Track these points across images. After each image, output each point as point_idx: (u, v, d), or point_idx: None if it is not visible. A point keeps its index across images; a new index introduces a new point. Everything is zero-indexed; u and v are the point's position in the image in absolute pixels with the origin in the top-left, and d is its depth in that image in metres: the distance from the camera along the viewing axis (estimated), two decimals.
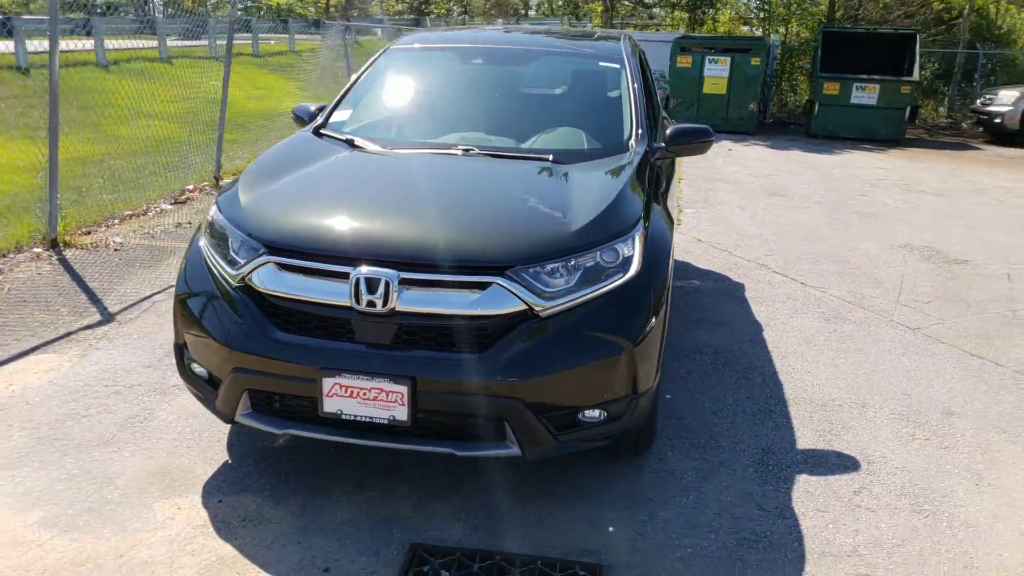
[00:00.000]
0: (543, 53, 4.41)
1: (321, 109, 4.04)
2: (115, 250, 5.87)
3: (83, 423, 3.37)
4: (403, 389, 2.57)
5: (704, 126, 3.79)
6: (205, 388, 2.93)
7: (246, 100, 14.66)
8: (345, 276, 2.63)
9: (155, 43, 18.16)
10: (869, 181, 10.36)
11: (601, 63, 4.19)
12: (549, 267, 2.66)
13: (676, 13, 24.04)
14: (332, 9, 41.70)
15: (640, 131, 3.67)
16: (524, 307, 2.59)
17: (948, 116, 18.90)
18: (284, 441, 3.31)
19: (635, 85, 3.96)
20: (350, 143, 3.57)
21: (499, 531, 2.79)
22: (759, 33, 21.93)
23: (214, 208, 3.08)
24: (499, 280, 2.59)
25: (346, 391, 2.61)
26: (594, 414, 2.71)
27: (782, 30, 20.23)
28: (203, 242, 3.01)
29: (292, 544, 2.68)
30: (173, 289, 3.12)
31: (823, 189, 9.66)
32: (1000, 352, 4.62)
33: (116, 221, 6.67)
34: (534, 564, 2.60)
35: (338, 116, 3.93)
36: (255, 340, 2.69)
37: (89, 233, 6.21)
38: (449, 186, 3.22)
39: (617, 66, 4.13)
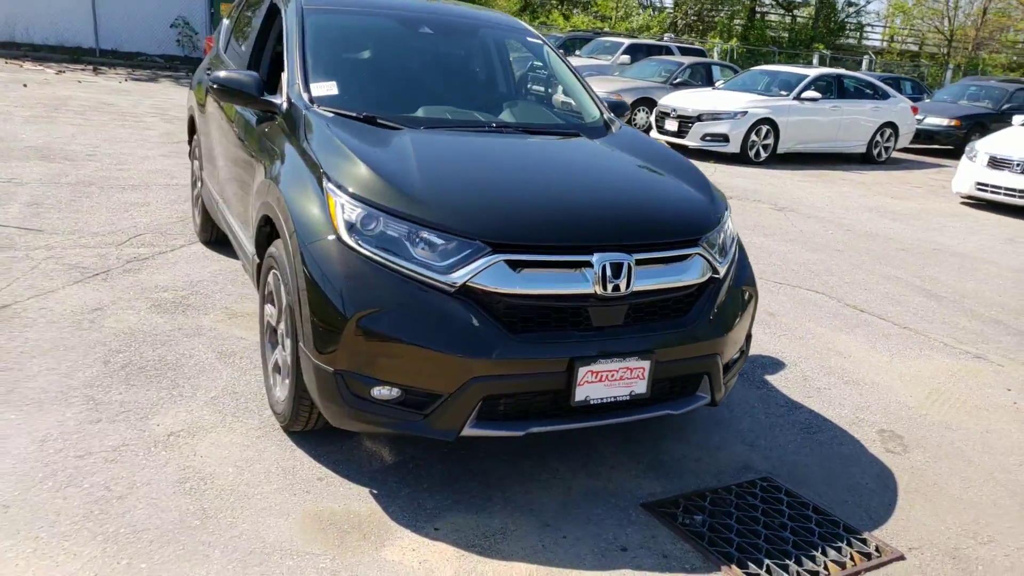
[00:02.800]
0: (468, 22, 4.36)
1: (260, 78, 3.46)
2: None
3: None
4: (645, 364, 2.72)
5: None
6: (395, 411, 2.59)
7: None
8: (580, 265, 2.63)
9: None
10: None
11: (530, 39, 4.36)
12: (716, 233, 3.03)
13: None
14: None
15: (602, 106, 4.05)
16: (711, 272, 2.94)
17: None
18: (389, 459, 3.02)
19: (564, 61, 4.28)
20: (370, 121, 3.22)
21: (683, 472, 3.13)
22: None
23: (358, 204, 2.63)
24: (697, 250, 2.89)
25: (596, 376, 2.64)
26: (736, 355, 3.20)
27: None
28: (363, 247, 2.57)
29: (557, 541, 2.63)
30: (306, 312, 2.62)
31: None
32: None
33: None
34: (832, 526, 2.91)
35: (318, 90, 3.42)
36: (496, 344, 2.52)
37: None
38: (575, 167, 3.28)
39: (539, 41, 4.36)
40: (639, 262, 2.72)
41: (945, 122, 16.11)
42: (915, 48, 40.43)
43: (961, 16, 39.75)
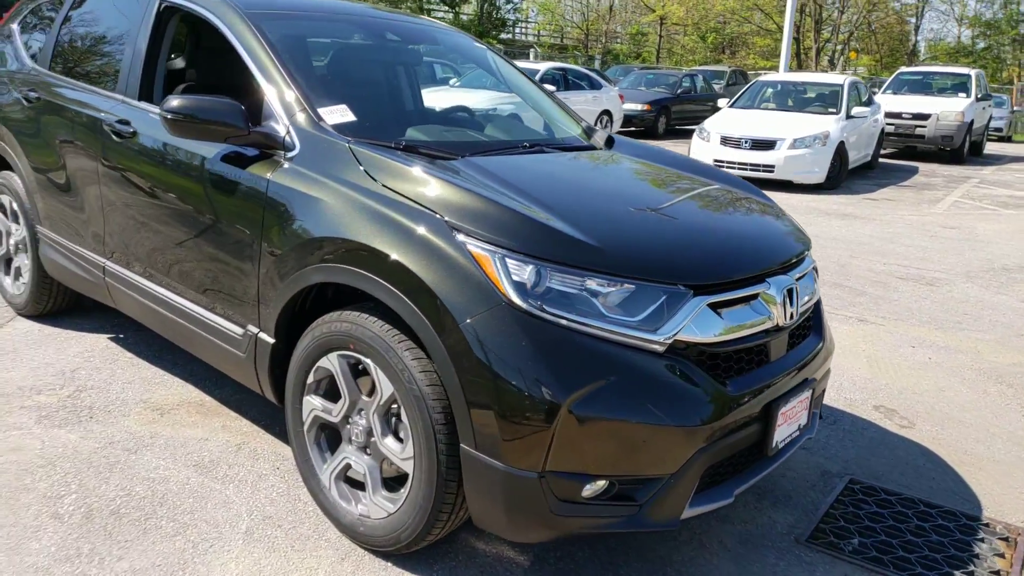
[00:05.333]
0: (421, 28, 3.70)
1: (247, 107, 2.63)
2: None
3: None
4: (808, 393, 2.55)
5: None
6: (606, 509, 2.14)
7: None
8: (754, 296, 2.36)
9: None
10: None
11: (477, 44, 3.84)
12: None
13: None
14: None
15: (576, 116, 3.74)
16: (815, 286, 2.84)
17: None
18: (523, 560, 2.51)
19: (516, 67, 3.88)
20: (410, 151, 2.61)
21: (786, 492, 2.99)
22: None
23: (524, 259, 2.10)
24: (810, 266, 2.76)
25: (785, 417, 2.41)
26: None
27: None
28: (547, 311, 2.05)
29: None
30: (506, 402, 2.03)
31: None
32: None
33: None
34: (955, 518, 2.89)
35: (331, 116, 2.67)
36: (716, 403, 2.17)
37: None
38: (670, 188, 2.94)
39: (482, 47, 3.88)
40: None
41: (639, 107, 18.19)
42: (559, 42, 44.75)
43: (593, 13, 44.94)
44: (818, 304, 2.81)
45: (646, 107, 18.01)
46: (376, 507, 2.40)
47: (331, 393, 2.53)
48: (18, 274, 4.16)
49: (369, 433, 2.41)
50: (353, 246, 2.31)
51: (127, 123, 3.17)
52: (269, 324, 2.63)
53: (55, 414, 3.17)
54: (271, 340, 2.64)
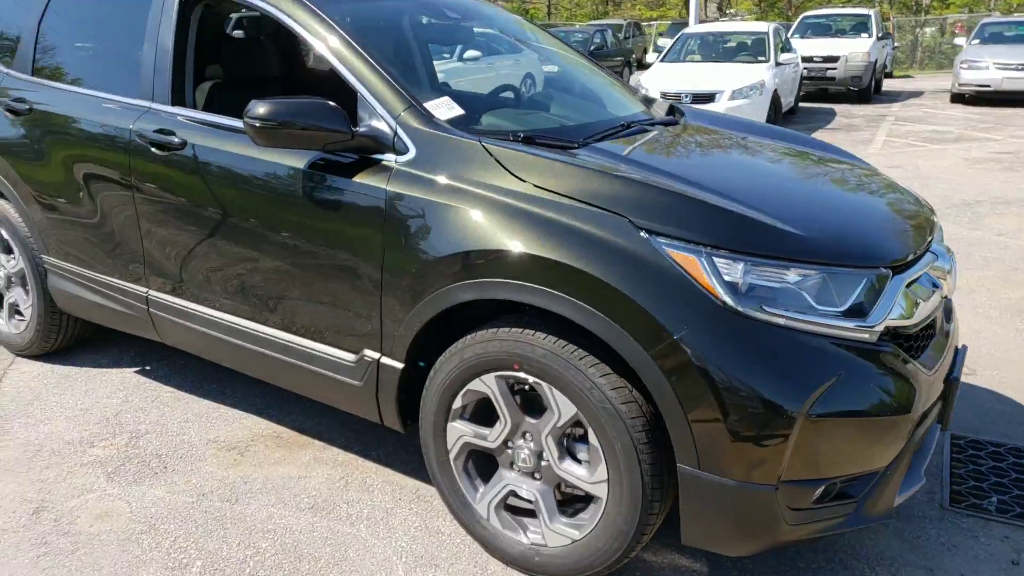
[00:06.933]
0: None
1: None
2: None
3: None
4: (957, 357, 2.52)
5: None
6: (827, 511, 2.05)
7: None
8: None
9: None
10: None
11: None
12: None
13: None
14: None
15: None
16: None
17: None
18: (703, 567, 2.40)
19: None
20: (529, 141, 2.39)
21: None
22: None
23: (730, 256, 1.96)
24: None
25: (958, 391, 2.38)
26: None
27: None
28: (766, 310, 1.91)
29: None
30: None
31: None
32: None
33: None
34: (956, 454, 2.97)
35: (440, 111, 2.41)
36: (924, 386, 2.10)
37: None
38: (791, 165, 2.78)
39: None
40: None
41: (555, 68, 18.01)
42: None
43: None
44: None
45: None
46: (554, 535, 2.23)
47: (480, 417, 2.33)
48: (13, 311, 3.67)
49: (539, 457, 2.23)
50: (517, 258, 2.09)
51: (170, 133, 2.79)
52: (397, 348, 2.38)
53: (123, 468, 2.82)
54: (399, 365, 2.40)
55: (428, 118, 2.37)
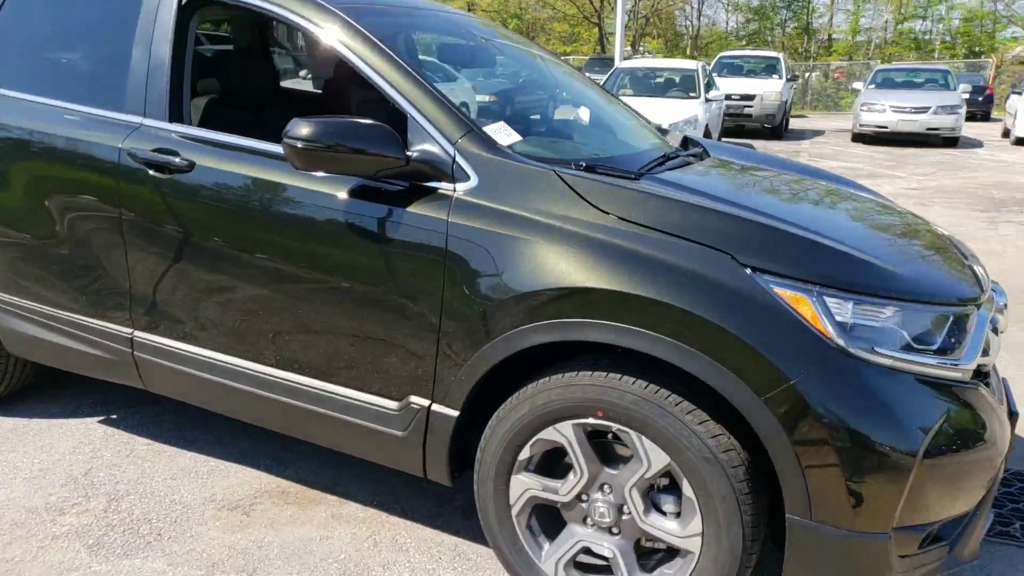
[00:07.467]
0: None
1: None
2: None
3: None
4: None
5: None
6: (925, 556, 1.95)
7: None
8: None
9: None
10: None
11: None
12: None
13: None
14: None
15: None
16: None
17: None
18: None
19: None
20: (591, 170, 2.23)
21: None
22: None
23: (839, 295, 1.86)
24: None
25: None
26: None
27: None
28: (877, 352, 1.81)
29: None
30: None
31: None
32: None
33: None
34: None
35: (500, 136, 2.23)
36: (1006, 423, 2.07)
37: None
38: (837, 200, 2.71)
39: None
40: None
41: (487, 98, 18.07)
42: None
43: None
44: None
45: (492, 98, 17.87)
46: None
47: (546, 468, 2.13)
48: None
49: (619, 511, 2.05)
50: (608, 296, 1.92)
51: (173, 153, 2.48)
52: (453, 395, 2.15)
53: (107, 539, 2.44)
54: (453, 413, 2.17)
55: (491, 144, 2.18)
